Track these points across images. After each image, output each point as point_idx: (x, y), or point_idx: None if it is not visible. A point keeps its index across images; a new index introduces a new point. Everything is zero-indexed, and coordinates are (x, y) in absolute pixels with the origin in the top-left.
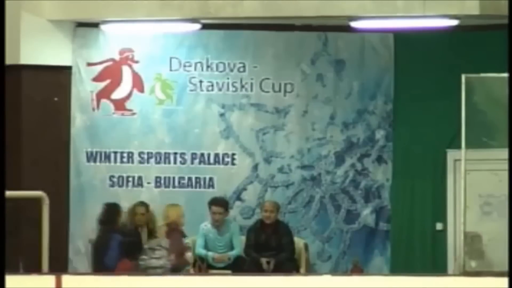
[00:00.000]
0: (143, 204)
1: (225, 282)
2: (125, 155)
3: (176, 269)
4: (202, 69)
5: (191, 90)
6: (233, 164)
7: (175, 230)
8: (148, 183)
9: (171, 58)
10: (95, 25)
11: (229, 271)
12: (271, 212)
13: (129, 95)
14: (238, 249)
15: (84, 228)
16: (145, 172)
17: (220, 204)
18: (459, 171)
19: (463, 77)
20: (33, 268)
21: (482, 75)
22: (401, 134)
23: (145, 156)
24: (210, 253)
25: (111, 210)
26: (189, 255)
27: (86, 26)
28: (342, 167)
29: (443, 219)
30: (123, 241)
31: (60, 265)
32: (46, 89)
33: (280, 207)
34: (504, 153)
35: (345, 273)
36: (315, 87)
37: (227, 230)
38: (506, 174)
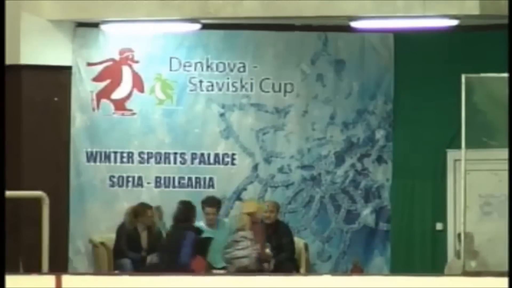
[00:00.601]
0: (148, 206)
1: (225, 282)
2: (125, 155)
3: (261, 260)
4: (202, 69)
5: (191, 90)
6: (233, 164)
7: (256, 223)
8: (148, 183)
9: (171, 58)
10: (95, 25)
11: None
12: (270, 212)
13: (129, 95)
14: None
15: (84, 228)
16: (145, 172)
17: (213, 204)
18: (459, 171)
19: (463, 77)
20: (33, 268)
21: (482, 75)
22: (401, 134)
23: (145, 156)
24: None
25: (187, 208)
26: (268, 251)
27: (86, 26)
28: (342, 167)
29: (443, 219)
30: (197, 238)
31: (60, 265)
32: (46, 89)
33: (280, 207)
34: (504, 153)
35: (345, 273)
36: (315, 87)
37: (223, 229)
38: (506, 174)
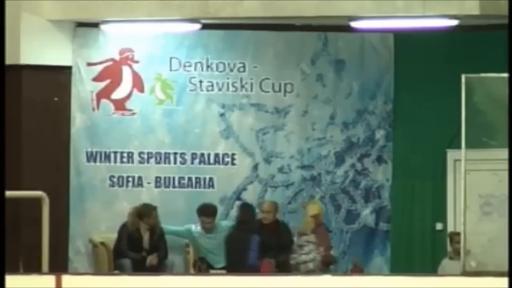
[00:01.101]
0: (153, 207)
1: (225, 282)
2: (125, 155)
3: (325, 263)
4: (202, 69)
5: (191, 90)
6: (233, 164)
7: (320, 226)
8: (148, 183)
9: (171, 58)
10: (95, 25)
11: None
12: (268, 213)
13: (129, 95)
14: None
15: (84, 228)
16: (145, 172)
17: (209, 214)
18: (459, 171)
19: (463, 77)
20: (33, 268)
21: (482, 75)
22: (401, 134)
23: (145, 156)
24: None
25: (248, 211)
26: (331, 253)
27: (86, 26)
28: (342, 167)
29: (443, 219)
30: (262, 240)
31: (60, 265)
32: (46, 89)
33: (279, 207)
34: (504, 153)
35: (345, 273)
36: (315, 87)
37: (220, 230)
38: (506, 174)
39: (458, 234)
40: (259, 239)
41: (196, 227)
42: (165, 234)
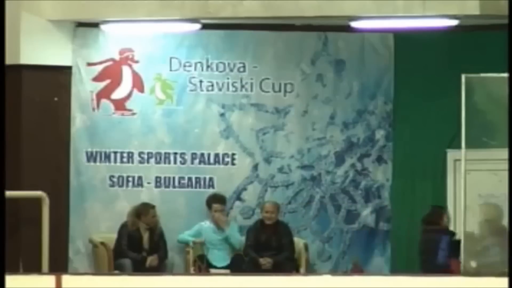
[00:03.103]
0: (151, 205)
1: (225, 282)
2: (125, 155)
3: None
4: (202, 69)
5: (191, 90)
6: (233, 164)
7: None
8: (148, 183)
9: (171, 58)
10: (95, 25)
11: (228, 271)
12: (271, 213)
13: (129, 95)
14: (237, 246)
15: (84, 228)
16: (145, 172)
17: (221, 201)
18: (459, 171)
19: (463, 77)
20: (33, 268)
21: (482, 75)
22: (401, 134)
23: (145, 156)
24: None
25: (437, 212)
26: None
27: (86, 26)
28: (342, 167)
29: None
30: (451, 241)
31: (60, 265)
32: (46, 89)
33: (280, 208)
34: (504, 153)
35: (345, 273)
36: (315, 87)
37: (232, 228)
38: (506, 174)
39: (477, 235)
40: (449, 239)
41: (205, 223)
42: (181, 242)
